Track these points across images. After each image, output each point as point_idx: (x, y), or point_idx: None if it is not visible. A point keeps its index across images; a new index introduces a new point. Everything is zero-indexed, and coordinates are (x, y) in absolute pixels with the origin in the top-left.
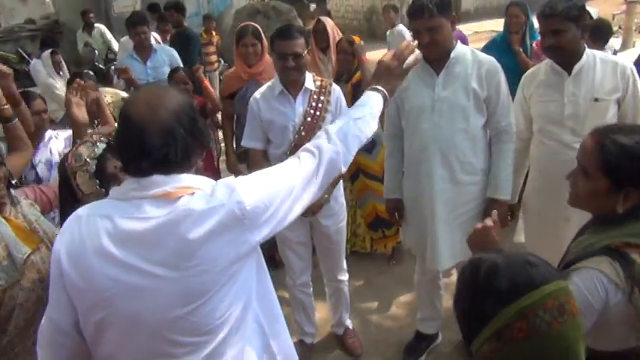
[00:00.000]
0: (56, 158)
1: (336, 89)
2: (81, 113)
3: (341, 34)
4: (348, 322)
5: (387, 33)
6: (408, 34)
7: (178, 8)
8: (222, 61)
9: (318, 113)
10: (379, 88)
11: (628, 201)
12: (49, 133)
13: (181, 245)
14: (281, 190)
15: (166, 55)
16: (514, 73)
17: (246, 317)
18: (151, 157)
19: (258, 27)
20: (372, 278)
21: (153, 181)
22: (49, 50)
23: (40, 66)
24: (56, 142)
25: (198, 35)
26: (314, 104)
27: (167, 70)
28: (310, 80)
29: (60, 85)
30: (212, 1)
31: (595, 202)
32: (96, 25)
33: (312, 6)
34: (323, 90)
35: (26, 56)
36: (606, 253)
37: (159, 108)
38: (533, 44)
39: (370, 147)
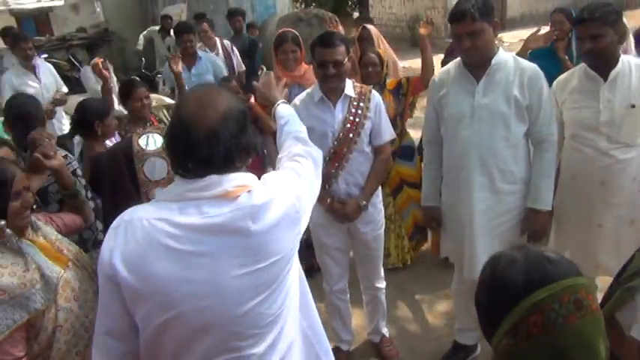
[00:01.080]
0: None
1: (376, 96)
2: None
3: (386, 43)
4: (385, 330)
5: None
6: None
7: (242, 16)
8: (265, 69)
9: (357, 120)
10: (278, 102)
11: None
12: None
13: (250, 240)
14: (309, 185)
15: (210, 63)
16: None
17: (295, 306)
18: (195, 157)
19: (297, 34)
20: (409, 286)
21: (209, 182)
22: (96, 58)
23: (89, 72)
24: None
25: (257, 41)
26: (353, 111)
27: (210, 77)
28: (350, 87)
29: None
30: (256, 9)
31: None
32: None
33: (355, 14)
34: (362, 97)
35: (77, 63)
36: None
37: (208, 108)
38: None
39: (409, 155)
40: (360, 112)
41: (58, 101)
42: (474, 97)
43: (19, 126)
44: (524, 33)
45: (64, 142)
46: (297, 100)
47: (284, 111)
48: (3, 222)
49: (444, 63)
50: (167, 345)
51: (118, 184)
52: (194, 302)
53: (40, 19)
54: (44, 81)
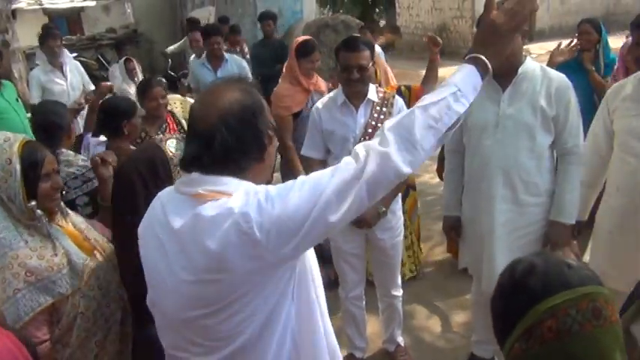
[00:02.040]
0: None
1: (399, 101)
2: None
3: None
4: (400, 339)
5: None
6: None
7: (273, 20)
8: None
9: (379, 125)
10: (478, 56)
11: None
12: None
13: (197, 251)
14: (305, 203)
15: (236, 65)
16: (585, 92)
17: (267, 336)
18: (192, 151)
19: (315, 41)
20: (426, 295)
21: (191, 179)
22: (124, 57)
23: (117, 72)
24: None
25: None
26: (376, 116)
27: None
28: (373, 91)
29: (133, 91)
30: (283, 14)
31: None
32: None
33: (382, 21)
34: (385, 102)
35: (105, 63)
36: None
37: (209, 106)
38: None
39: None
40: (382, 117)
41: (87, 100)
42: (499, 106)
43: (42, 136)
44: (552, 45)
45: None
46: (319, 104)
47: (456, 75)
48: (34, 202)
49: None
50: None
51: (156, 187)
52: (158, 293)
53: (72, 18)
54: (70, 79)
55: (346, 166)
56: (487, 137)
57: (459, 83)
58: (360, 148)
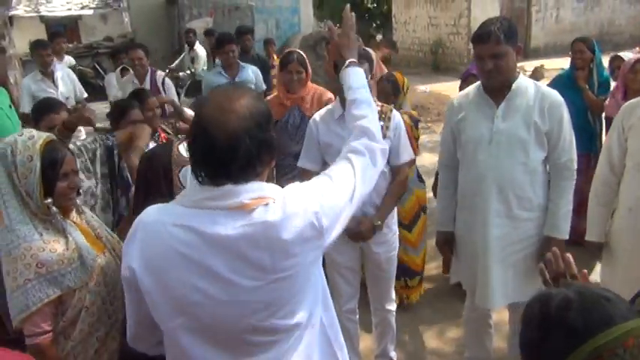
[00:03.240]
0: None
1: (396, 115)
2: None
3: (384, 68)
4: (393, 354)
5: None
6: None
7: (251, 34)
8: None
9: None
10: (349, 61)
11: None
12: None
13: (263, 256)
14: (345, 194)
15: (252, 73)
16: (579, 109)
17: (315, 314)
18: (216, 163)
19: (303, 54)
20: (419, 310)
21: (227, 190)
22: (121, 66)
23: (113, 80)
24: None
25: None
26: None
27: (252, 87)
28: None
29: None
30: (281, 27)
31: None
32: (196, 47)
33: (379, 36)
34: (383, 115)
35: (101, 71)
36: None
37: (229, 112)
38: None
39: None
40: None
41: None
42: (494, 121)
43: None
44: (547, 63)
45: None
46: (317, 116)
47: (356, 80)
48: (50, 199)
49: (461, 89)
50: (181, 347)
51: (153, 186)
52: (208, 310)
53: (70, 26)
54: (62, 88)
55: (359, 159)
56: (481, 152)
57: (365, 86)
58: (360, 146)
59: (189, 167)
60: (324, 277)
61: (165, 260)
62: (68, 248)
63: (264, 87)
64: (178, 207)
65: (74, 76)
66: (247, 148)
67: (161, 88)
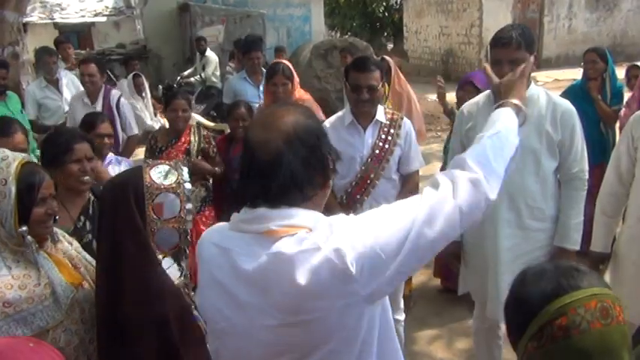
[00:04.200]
0: None
1: (407, 123)
2: None
3: (402, 77)
4: None
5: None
6: None
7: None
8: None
9: (387, 146)
10: (508, 101)
11: None
12: (110, 156)
13: (281, 293)
14: (397, 234)
15: None
16: (591, 120)
17: None
18: (256, 184)
19: (290, 65)
20: (428, 320)
21: (258, 215)
22: (132, 73)
23: (124, 86)
24: (117, 169)
25: None
26: (383, 137)
27: None
28: (381, 112)
29: (140, 106)
30: (292, 35)
31: None
32: (207, 53)
33: (390, 45)
34: (394, 123)
35: (113, 78)
36: None
37: (271, 130)
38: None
39: None
40: (390, 138)
41: None
42: None
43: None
44: (559, 73)
45: None
46: (327, 123)
47: (503, 121)
48: (25, 227)
49: (457, 95)
50: None
51: (121, 220)
52: (234, 341)
53: (83, 33)
54: (65, 95)
55: (431, 194)
56: None
57: (506, 121)
58: (441, 177)
59: (166, 195)
60: (392, 332)
61: (203, 279)
62: (39, 283)
63: None
64: (224, 228)
65: (79, 83)
66: (290, 166)
67: (115, 110)
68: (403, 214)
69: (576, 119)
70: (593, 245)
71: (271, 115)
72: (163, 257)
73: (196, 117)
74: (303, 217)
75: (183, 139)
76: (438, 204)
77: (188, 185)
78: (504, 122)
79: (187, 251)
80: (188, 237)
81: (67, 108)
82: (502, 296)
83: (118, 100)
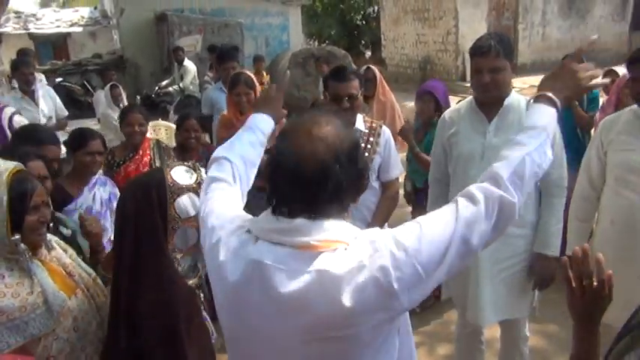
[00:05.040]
0: (98, 207)
1: (386, 131)
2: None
3: (386, 87)
4: None
5: (321, 84)
6: None
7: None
8: None
9: (366, 154)
10: (552, 97)
11: None
12: (97, 176)
13: (320, 313)
14: (436, 250)
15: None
16: (569, 126)
17: None
18: (300, 194)
19: (251, 75)
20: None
21: (296, 226)
22: (110, 84)
23: (101, 97)
24: (102, 190)
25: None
26: (363, 145)
27: None
28: (360, 121)
29: (117, 117)
30: (270, 44)
31: None
32: (185, 63)
33: (368, 53)
34: (373, 132)
35: (90, 88)
36: None
37: (318, 140)
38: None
39: None
40: (369, 146)
41: (57, 128)
42: (485, 136)
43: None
44: (534, 80)
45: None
46: None
47: (539, 118)
48: (18, 236)
49: (416, 105)
50: None
51: (146, 218)
52: (249, 350)
53: (58, 44)
54: (41, 106)
55: (466, 208)
56: (473, 167)
57: (549, 128)
58: (475, 191)
59: (187, 195)
60: (412, 350)
61: (243, 289)
62: (32, 292)
63: None
64: (242, 231)
65: (55, 95)
66: (337, 179)
67: (6, 128)
68: (442, 229)
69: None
70: (568, 250)
71: (315, 123)
72: (182, 257)
73: (168, 124)
74: (341, 231)
75: (141, 153)
76: (474, 222)
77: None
78: (546, 131)
79: None
80: None
81: (43, 120)
82: (483, 302)
83: (11, 117)
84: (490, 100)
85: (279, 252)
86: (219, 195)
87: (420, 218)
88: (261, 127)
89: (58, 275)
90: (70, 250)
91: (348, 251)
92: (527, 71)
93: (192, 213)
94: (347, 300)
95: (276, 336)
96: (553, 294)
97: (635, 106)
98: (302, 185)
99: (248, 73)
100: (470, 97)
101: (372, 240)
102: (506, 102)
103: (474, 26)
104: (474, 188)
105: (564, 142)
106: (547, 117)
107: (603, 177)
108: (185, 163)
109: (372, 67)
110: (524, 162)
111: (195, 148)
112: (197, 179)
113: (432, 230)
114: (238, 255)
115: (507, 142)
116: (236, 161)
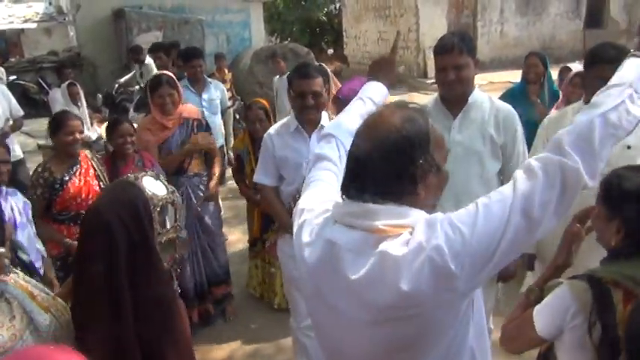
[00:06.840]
0: (18, 217)
1: None
2: None
3: (339, 84)
4: None
5: (275, 79)
6: None
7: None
8: (240, 98)
9: None
10: None
11: (619, 234)
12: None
13: (384, 292)
14: (495, 228)
15: (219, 90)
16: (530, 123)
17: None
18: (372, 178)
19: (172, 75)
20: None
21: (366, 210)
22: (67, 82)
23: (58, 95)
24: (13, 200)
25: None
26: None
27: (217, 103)
28: (326, 118)
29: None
30: (231, 41)
31: (598, 233)
32: (147, 61)
33: (330, 50)
34: None
35: (46, 86)
36: (588, 280)
37: (370, 130)
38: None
39: None
40: None
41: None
42: (450, 132)
43: None
44: (493, 76)
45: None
46: (272, 130)
47: (622, 72)
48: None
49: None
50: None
51: (139, 238)
52: (325, 334)
53: (11, 40)
54: None
55: (524, 180)
56: None
57: (635, 82)
58: (534, 162)
59: (166, 207)
60: (483, 337)
61: (309, 266)
62: (14, 316)
63: (229, 104)
64: (331, 217)
65: (9, 93)
66: (375, 167)
67: None
68: (499, 206)
69: (518, 123)
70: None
71: (388, 108)
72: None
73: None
74: (407, 216)
75: (83, 165)
76: (532, 193)
77: (177, 193)
78: (632, 87)
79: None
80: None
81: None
82: None
83: None
84: (455, 98)
85: (350, 235)
86: (319, 175)
87: (479, 199)
88: (372, 96)
89: (30, 294)
90: (21, 274)
91: (411, 235)
92: (485, 68)
93: (170, 224)
94: (405, 282)
95: (349, 316)
96: (517, 288)
97: (581, 102)
98: (352, 167)
99: (168, 73)
100: (435, 95)
101: (430, 223)
102: (470, 99)
103: (434, 24)
104: (532, 159)
105: (526, 139)
106: (633, 69)
107: None
108: (149, 173)
109: (323, 64)
110: (592, 124)
111: (132, 155)
112: (168, 189)
113: (488, 208)
114: (319, 235)
115: (471, 138)
116: (342, 138)
